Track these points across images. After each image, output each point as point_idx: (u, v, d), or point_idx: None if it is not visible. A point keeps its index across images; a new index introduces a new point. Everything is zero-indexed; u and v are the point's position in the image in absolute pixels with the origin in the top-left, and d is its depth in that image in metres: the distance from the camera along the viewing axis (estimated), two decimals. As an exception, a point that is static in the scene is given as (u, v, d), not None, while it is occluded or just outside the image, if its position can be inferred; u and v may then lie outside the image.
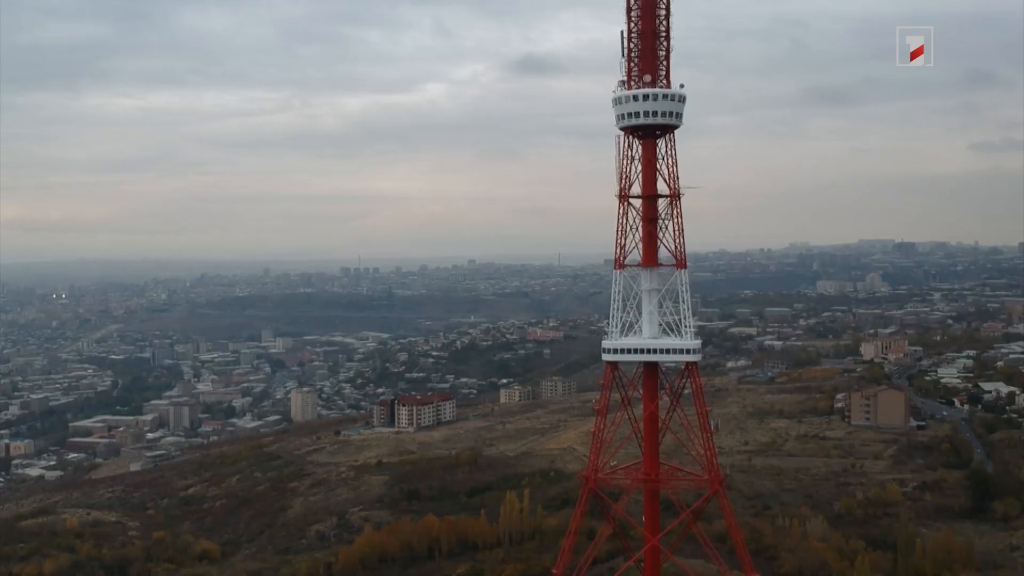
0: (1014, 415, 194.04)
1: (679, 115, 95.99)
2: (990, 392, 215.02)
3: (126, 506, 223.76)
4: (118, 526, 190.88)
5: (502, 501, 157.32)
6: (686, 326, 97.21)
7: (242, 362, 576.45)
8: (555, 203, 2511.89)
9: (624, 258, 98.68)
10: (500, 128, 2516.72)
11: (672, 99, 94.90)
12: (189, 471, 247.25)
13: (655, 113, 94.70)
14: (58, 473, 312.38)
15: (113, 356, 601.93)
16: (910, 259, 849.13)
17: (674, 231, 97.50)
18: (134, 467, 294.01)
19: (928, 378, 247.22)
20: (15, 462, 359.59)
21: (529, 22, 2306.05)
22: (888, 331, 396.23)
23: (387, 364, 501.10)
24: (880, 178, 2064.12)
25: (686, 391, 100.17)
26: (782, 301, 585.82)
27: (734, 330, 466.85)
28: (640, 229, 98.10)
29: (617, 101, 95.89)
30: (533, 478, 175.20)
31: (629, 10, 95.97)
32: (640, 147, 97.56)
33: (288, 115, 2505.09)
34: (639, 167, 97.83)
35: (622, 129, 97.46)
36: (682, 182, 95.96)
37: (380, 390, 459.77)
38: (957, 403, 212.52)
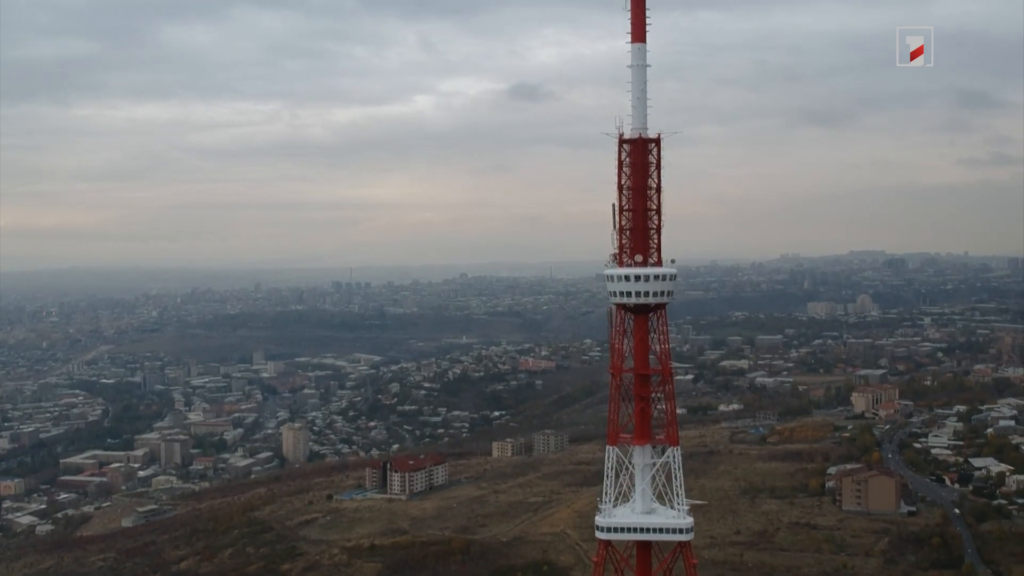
0: (1003, 501, 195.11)
1: (670, 292, 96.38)
2: (980, 469, 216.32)
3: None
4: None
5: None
6: (678, 504, 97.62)
7: (233, 388, 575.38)
8: (547, 210, 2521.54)
9: (617, 433, 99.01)
10: (491, 137, 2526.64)
11: (663, 279, 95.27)
12: (181, 538, 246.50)
13: (647, 293, 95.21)
14: (49, 527, 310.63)
15: (104, 380, 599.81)
16: (900, 276, 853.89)
17: (667, 409, 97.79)
18: (125, 523, 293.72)
19: (918, 446, 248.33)
20: (5, 504, 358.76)
21: (513, 37, 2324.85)
22: (879, 372, 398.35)
23: (379, 396, 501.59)
24: (870, 189, 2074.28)
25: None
26: (773, 325, 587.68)
27: (725, 363, 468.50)
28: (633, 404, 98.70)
29: (609, 278, 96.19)
30: (526, 573, 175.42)
31: (620, 188, 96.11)
32: (632, 321, 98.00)
33: (277, 126, 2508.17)
34: (631, 341, 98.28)
35: (615, 304, 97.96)
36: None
37: (372, 424, 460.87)
38: (948, 481, 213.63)
